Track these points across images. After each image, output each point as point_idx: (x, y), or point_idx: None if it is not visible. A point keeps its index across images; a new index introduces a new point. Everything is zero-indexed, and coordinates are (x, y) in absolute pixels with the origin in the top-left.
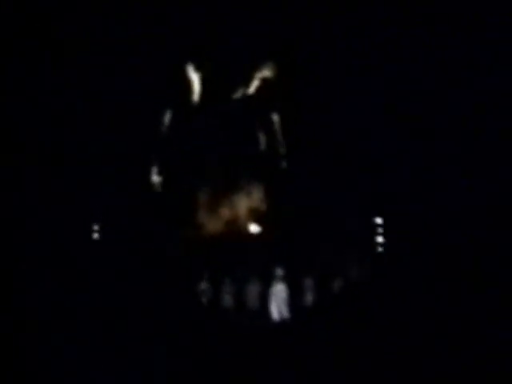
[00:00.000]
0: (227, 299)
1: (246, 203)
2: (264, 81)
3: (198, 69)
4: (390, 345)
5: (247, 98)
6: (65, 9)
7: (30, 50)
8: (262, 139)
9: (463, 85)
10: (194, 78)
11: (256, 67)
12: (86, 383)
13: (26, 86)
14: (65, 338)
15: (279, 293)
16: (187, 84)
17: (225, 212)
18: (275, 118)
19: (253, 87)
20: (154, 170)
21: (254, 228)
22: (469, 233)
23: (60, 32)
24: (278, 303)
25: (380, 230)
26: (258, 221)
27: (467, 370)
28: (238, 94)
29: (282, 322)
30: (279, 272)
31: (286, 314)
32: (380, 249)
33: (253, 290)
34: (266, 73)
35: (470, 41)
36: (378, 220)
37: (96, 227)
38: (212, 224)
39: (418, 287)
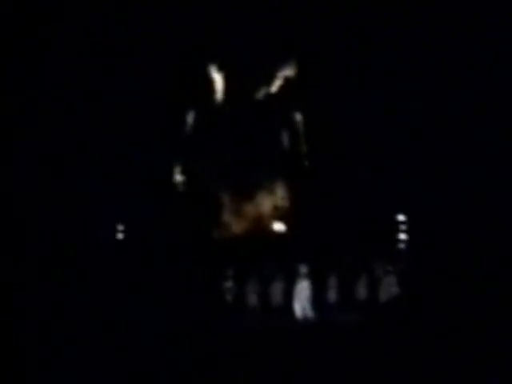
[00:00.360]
0: (252, 297)
1: (269, 202)
2: (286, 80)
3: (220, 69)
4: (411, 343)
5: (270, 98)
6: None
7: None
8: (285, 138)
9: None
10: (217, 78)
11: (278, 67)
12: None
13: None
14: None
15: (303, 290)
16: (210, 84)
17: (249, 211)
18: (298, 116)
19: (275, 86)
20: (178, 169)
21: (277, 226)
22: (491, 231)
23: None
24: (301, 301)
25: (403, 227)
26: (281, 219)
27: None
28: (260, 94)
29: (306, 320)
30: (303, 269)
31: (309, 311)
32: (403, 246)
33: (277, 288)
34: (288, 72)
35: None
36: (401, 217)
37: (120, 227)
38: (236, 223)
39: (441, 284)
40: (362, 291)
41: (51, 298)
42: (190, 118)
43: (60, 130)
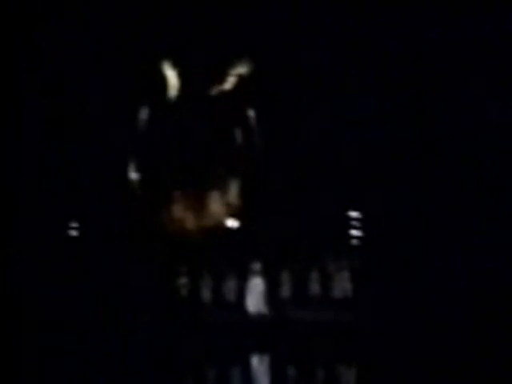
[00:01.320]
0: (205, 294)
1: (222, 198)
2: (240, 77)
3: (174, 65)
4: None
5: (223, 95)
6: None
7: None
8: (238, 135)
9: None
10: (171, 75)
11: (232, 64)
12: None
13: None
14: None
15: (256, 287)
16: (164, 81)
17: (202, 207)
18: (251, 113)
19: (229, 83)
20: (132, 166)
21: (230, 223)
22: (440, 224)
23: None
24: (255, 297)
25: (355, 223)
26: (234, 216)
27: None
28: (214, 91)
29: (259, 316)
30: (256, 266)
31: (263, 308)
32: (355, 241)
33: (230, 285)
34: (242, 69)
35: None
36: (354, 213)
37: (74, 224)
38: (190, 219)
39: (394, 281)
40: (314, 287)
41: None
42: (144, 114)
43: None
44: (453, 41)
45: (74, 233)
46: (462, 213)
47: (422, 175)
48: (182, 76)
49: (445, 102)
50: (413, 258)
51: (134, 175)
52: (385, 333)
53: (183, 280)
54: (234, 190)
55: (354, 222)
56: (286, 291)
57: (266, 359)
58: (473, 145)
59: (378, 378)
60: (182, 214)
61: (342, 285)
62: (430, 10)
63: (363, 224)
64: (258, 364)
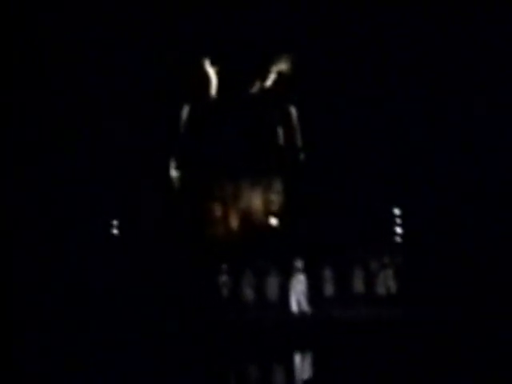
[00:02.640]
0: (247, 291)
1: (265, 196)
2: (280, 74)
3: (214, 63)
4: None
5: (264, 92)
6: None
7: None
8: (280, 132)
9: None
10: (211, 73)
11: (272, 61)
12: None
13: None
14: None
15: (299, 285)
16: (205, 79)
17: (244, 205)
18: (293, 111)
19: (270, 81)
20: (173, 164)
21: (273, 221)
22: (485, 226)
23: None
24: (297, 295)
25: (399, 220)
26: (277, 213)
27: None
28: (255, 88)
29: (302, 314)
30: (299, 264)
31: (305, 306)
32: (399, 239)
33: (272, 283)
34: (283, 66)
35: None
36: (397, 211)
37: (115, 222)
38: (232, 217)
39: (436, 278)
40: (358, 285)
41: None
42: (185, 113)
43: (57, 126)
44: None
45: (115, 231)
46: (501, 209)
47: (463, 172)
48: (223, 74)
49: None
50: (453, 254)
51: (175, 173)
52: (429, 330)
53: (225, 278)
54: (276, 188)
55: (396, 220)
56: (328, 289)
57: (309, 357)
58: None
59: (422, 375)
60: (223, 212)
61: (386, 282)
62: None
63: (406, 221)
64: (301, 362)
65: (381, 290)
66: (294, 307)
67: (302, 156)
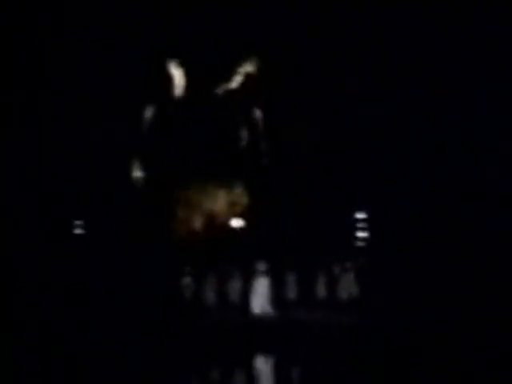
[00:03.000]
0: (210, 294)
1: (228, 198)
2: (247, 76)
3: (180, 64)
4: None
5: (230, 94)
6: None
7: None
8: (244, 134)
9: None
10: (177, 74)
11: (239, 62)
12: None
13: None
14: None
15: (262, 288)
16: (169, 79)
17: (207, 207)
18: (258, 113)
19: (236, 82)
20: (136, 165)
21: (236, 223)
22: (447, 225)
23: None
24: (260, 299)
25: (362, 224)
26: (239, 216)
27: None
28: (220, 89)
29: (264, 317)
30: (261, 267)
31: (268, 309)
32: (362, 243)
33: (235, 285)
34: (249, 68)
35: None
36: (360, 215)
37: (78, 222)
38: (194, 219)
39: (401, 281)
40: (320, 289)
41: None
42: (149, 113)
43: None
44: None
45: (78, 231)
46: (468, 211)
47: (428, 174)
48: (187, 75)
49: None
50: (418, 258)
51: (138, 174)
52: (390, 334)
53: (188, 280)
54: (239, 190)
55: (360, 224)
56: (291, 292)
57: (271, 361)
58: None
59: (382, 379)
60: (186, 213)
61: (348, 286)
62: None
63: (369, 225)
64: (262, 366)
65: (343, 294)
66: (257, 310)
67: (265, 159)
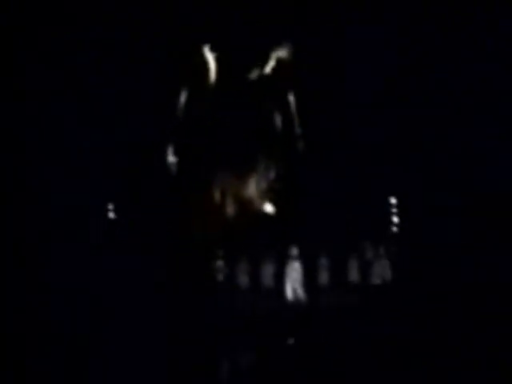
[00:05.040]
0: (242, 278)
1: (261, 184)
2: (280, 61)
3: (214, 49)
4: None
5: (263, 79)
6: None
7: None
8: (278, 120)
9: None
10: (210, 59)
11: (272, 48)
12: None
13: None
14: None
15: (294, 272)
16: (203, 64)
17: (241, 192)
18: (291, 98)
19: (269, 68)
20: (170, 150)
21: (269, 208)
22: (482, 217)
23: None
24: (292, 283)
25: (395, 210)
26: (273, 201)
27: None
28: (253, 75)
29: (297, 302)
30: (294, 251)
31: (301, 293)
32: (395, 229)
33: (268, 270)
34: (282, 53)
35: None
36: (393, 200)
37: (111, 206)
38: (228, 204)
39: (432, 269)
40: (353, 274)
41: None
42: (183, 99)
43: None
44: None
45: (111, 215)
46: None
47: (462, 162)
48: (221, 60)
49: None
50: (451, 247)
51: (172, 159)
52: (421, 321)
53: (220, 264)
54: (272, 176)
55: (393, 209)
56: (323, 277)
57: (303, 345)
58: None
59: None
60: (220, 198)
61: (381, 272)
62: None
63: (402, 211)
64: (296, 350)
65: (376, 279)
66: (290, 295)
67: (300, 144)
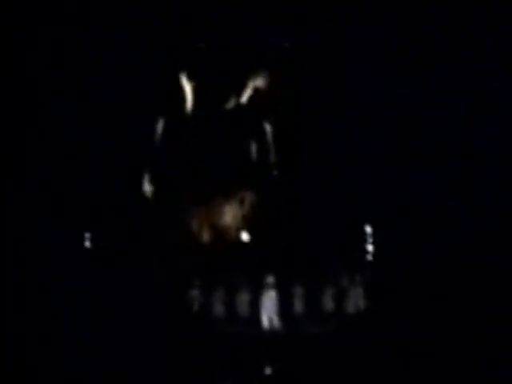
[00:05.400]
0: (218, 307)
1: (237, 211)
2: (257, 90)
3: (190, 78)
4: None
5: (240, 107)
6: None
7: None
8: (254, 148)
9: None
10: (187, 87)
11: (249, 76)
12: None
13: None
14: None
15: (270, 301)
16: (180, 93)
17: (216, 220)
18: (267, 127)
19: (245, 96)
20: (147, 178)
21: (245, 236)
22: (456, 243)
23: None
24: (268, 312)
25: (370, 238)
26: (249, 229)
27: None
28: (230, 103)
29: (272, 331)
30: (270, 280)
31: (276, 322)
32: (370, 257)
33: (244, 298)
34: (259, 82)
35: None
36: (368, 229)
37: (88, 235)
38: (203, 232)
39: (409, 294)
40: (328, 302)
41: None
42: (160, 126)
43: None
44: None
45: (87, 244)
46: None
47: (437, 187)
48: (198, 88)
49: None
50: (426, 274)
51: (148, 187)
52: (396, 348)
53: (195, 293)
54: (248, 203)
55: (368, 237)
56: (298, 306)
57: (280, 373)
58: None
59: None
60: (195, 226)
61: (356, 300)
62: None
63: (376, 239)
64: (272, 378)
65: (351, 307)
66: (265, 323)
67: (275, 172)
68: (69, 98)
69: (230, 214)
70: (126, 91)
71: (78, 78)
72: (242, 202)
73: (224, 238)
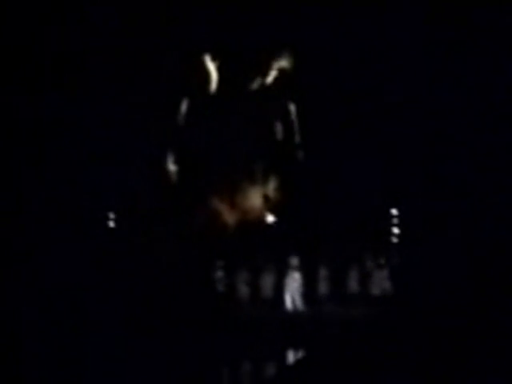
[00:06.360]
0: (242, 288)
1: (262, 193)
2: (281, 71)
3: (214, 59)
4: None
5: (264, 88)
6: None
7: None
8: (279, 129)
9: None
10: (211, 68)
11: (273, 57)
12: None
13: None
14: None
15: (294, 283)
16: (205, 74)
17: (241, 201)
18: (292, 107)
19: (270, 77)
20: (171, 158)
21: (269, 217)
22: (482, 226)
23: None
24: (292, 293)
25: (395, 220)
26: (273, 210)
27: None
28: (255, 84)
29: (296, 313)
30: (294, 261)
31: (299, 304)
32: (395, 239)
33: (267, 280)
34: (283, 63)
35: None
36: (394, 211)
37: (112, 215)
38: (228, 213)
39: (432, 279)
40: (353, 284)
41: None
42: (184, 107)
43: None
44: None
45: (111, 224)
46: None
47: (464, 174)
48: (222, 69)
49: None
50: (451, 257)
51: (172, 167)
52: (422, 330)
53: (220, 274)
54: (273, 185)
55: (394, 219)
56: (323, 287)
57: (302, 355)
58: None
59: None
60: (220, 207)
61: (380, 283)
62: None
63: (402, 221)
64: (294, 360)
65: (375, 290)
66: (289, 305)
67: (300, 153)
68: (95, 77)
69: (255, 196)
70: (150, 71)
71: (103, 58)
72: (266, 184)
73: (248, 220)
